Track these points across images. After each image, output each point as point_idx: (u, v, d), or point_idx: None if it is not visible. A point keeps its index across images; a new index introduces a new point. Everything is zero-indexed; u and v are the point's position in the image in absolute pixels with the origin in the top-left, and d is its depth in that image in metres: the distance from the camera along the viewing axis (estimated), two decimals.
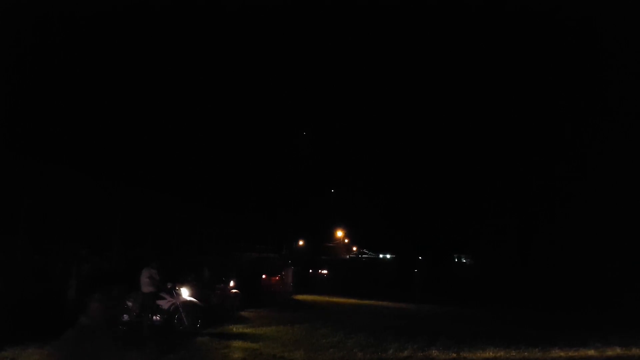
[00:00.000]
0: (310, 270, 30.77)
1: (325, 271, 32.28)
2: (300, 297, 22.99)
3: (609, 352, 10.93)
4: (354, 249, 64.05)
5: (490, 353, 10.60)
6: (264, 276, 22.08)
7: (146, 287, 12.87)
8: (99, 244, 17.80)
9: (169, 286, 13.12)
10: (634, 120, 29.25)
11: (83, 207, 19.26)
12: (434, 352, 10.53)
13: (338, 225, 57.44)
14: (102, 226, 19.40)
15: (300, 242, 47.85)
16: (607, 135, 31.95)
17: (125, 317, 12.98)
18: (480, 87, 40.34)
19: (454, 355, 10.36)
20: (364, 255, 61.92)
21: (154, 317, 12.83)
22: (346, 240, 61.27)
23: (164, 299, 12.99)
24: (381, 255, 61.81)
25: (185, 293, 13.24)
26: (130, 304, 13.01)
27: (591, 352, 10.91)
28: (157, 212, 22.95)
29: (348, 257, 58.87)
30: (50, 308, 13.08)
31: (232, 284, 17.50)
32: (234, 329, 13.18)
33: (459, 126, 42.21)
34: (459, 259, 57.16)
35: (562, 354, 10.77)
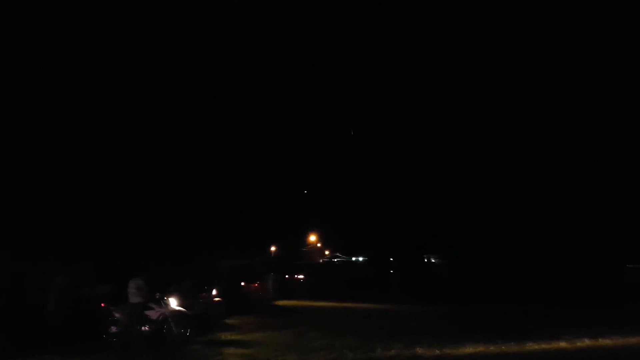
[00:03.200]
0: (287, 276, 31.16)
1: (302, 276, 32.74)
2: (280, 302, 23.36)
3: (579, 344, 11.71)
4: (327, 252, 64.53)
5: (470, 349, 11.22)
6: (243, 283, 22.41)
7: (134, 297, 13.08)
8: (71, 257, 17.83)
9: (157, 296, 13.33)
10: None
11: (53, 220, 19.24)
12: (419, 350, 11.10)
13: (311, 229, 57.96)
14: (75, 239, 19.41)
15: (273, 248, 48.10)
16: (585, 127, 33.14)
17: (114, 328, 13.14)
18: (449, 85, 41.02)
19: (438, 352, 10.95)
20: (336, 259, 62.42)
21: (143, 328, 13.01)
22: (319, 245, 61.76)
23: (152, 309, 13.19)
24: (354, 258, 62.45)
25: (173, 302, 13.48)
26: (118, 315, 13.18)
27: (563, 344, 11.66)
28: (128, 223, 22.99)
29: (322, 261, 59.27)
30: (29, 321, 13.23)
31: (214, 292, 17.80)
32: (223, 337, 13.52)
33: (429, 128, 42.95)
34: (429, 259, 58.13)
35: (536, 346, 11.48)
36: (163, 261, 21.76)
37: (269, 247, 47.75)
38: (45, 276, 15.02)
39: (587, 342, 11.88)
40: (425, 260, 55.60)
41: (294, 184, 48.09)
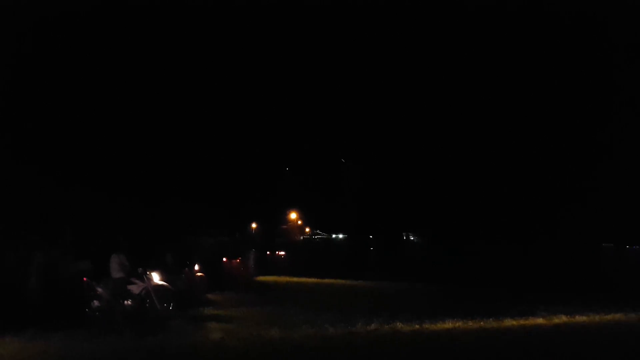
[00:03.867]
0: (268, 252, 31.31)
1: (282, 253, 32.94)
2: (261, 278, 23.48)
3: (556, 320, 12.06)
4: (307, 230, 64.82)
5: (450, 324, 11.48)
6: (224, 259, 22.45)
7: (116, 272, 13.05)
8: (49, 233, 17.63)
9: (139, 271, 13.29)
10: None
11: (31, 198, 18.98)
12: (399, 325, 11.31)
13: (291, 207, 57.99)
14: (52, 216, 19.19)
15: (254, 225, 48.10)
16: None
17: (96, 303, 13.09)
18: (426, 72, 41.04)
19: (417, 327, 11.17)
20: (317, 236, 62.82)
21: (125, 302, 13.00)
22: (299, 222, 61.96)
23: (134, 284, 13.16)
24: (334, 235, 62.95)
25: (156, 277, 13.46)
26: (100, 290, 13.13)
27: (540, 321, 11.99)
28: (106, 200, 22.77)
29: (302, 238, 59.57)
30: (9, 298, 13.08)
31: (197, 267, 17.76)
32: (205, 312, 13.59)
33: (407, 110, 42.94)
34: (407, 237, 58.80)
35: (514, 322, 11.79)
36: (143, 237, 21.64)
37: (250, 224, 47.68)
38: (25, 252, 14.86)
39: (563, 318, 12.23)
40: (404, 238, 56.28)
41: (275, 162, 47.82)
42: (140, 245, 18.80)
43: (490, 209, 38.29)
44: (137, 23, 24.81)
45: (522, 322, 11.86)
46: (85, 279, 13.54)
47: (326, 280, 22.68)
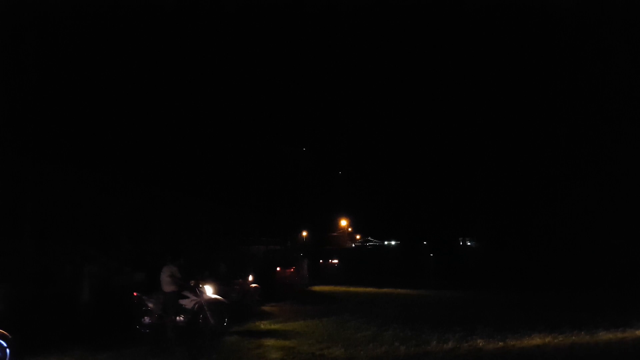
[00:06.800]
0: (321, 261, 30.38)
1: (336, 261, 31.93)
2: (316, 288, 22.58)
3: None
4: (358, 237, 63.60)
5: (538, 340, 10.12)
6: (278, 268, 21.66)
7: (167, 286, 12.25)
8: (106, 244, 17.25)
9: (192, 284, 12.52)
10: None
11: (87, 207, 18.71)
12: (480, 342, 10.01)
13: (341, 214, 56.97)
14: (108, 225, 18.85)
15: (304, 233, 47.44)
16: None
17: (147, 319, 12.43)
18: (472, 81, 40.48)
19: (501, 344, 9.85)
20: (369, 243, 61.52)
21: (178, 318, 12.24)
22: (350, 229, 60.81)
23: (187, 297, 12.40)
24: (386, 242, 61.56)
25: (209, 290, 12.67)
26: (151, 305, 12.46)
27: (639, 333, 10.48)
28: (161, 209, 22.46)
29: (353, 245, 58.41)
30: (63, 312, 12.59)
31: (251, 278, 16.95)
32: (262, 326, 12.67)
33: (457, 115, 42.45)
34: (464, 242, 56.88)
35: (610, 336, 10.33)
36: (196, 247, 21.12)
37: (300, 232, 47.08)
38: (79, 265, 14.42)
39: None
40: (461, 244, 54.38)
41: (326, 168, 47.41)
42: (194, 255, 18.27)
43: (551, 210, 36.68)
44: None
45: (619, 335, 10.37)
46: (135, 293, 12.94)
47: (384, 290, 21.55)
